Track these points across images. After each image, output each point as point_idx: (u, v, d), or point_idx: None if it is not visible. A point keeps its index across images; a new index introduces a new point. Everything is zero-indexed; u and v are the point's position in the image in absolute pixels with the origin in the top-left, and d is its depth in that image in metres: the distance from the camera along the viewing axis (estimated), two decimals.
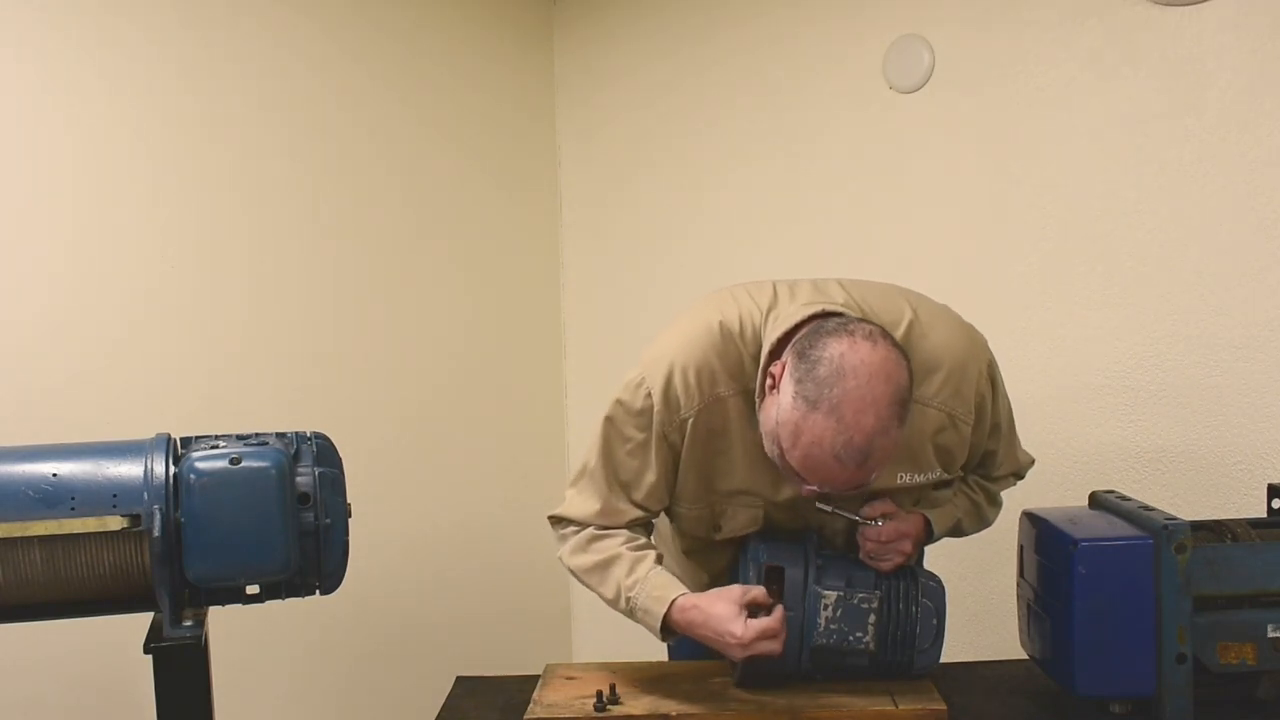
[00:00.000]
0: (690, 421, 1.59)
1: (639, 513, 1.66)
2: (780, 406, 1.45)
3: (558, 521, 1.71)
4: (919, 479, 1.62)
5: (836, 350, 1.41)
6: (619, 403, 1.63)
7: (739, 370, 1.59)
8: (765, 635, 1.52)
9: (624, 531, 1.65)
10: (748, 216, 2.79)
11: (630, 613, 1.61)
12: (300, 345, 2.59)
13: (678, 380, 1.58)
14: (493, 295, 3.03)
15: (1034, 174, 2.28)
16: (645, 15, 2.97)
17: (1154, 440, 2.14)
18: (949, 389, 1.59)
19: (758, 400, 1.55)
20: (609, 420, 1.64)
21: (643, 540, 1.66)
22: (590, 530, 1.65)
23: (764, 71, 2.72)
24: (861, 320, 1.49)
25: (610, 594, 1.62)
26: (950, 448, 1.63)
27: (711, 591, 1.58)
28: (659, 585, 1.59)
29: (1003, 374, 1.70)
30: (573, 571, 1.68)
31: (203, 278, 2.42)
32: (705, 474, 1.64)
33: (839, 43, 2.58)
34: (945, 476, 1.65)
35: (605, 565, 1.63)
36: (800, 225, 2.68)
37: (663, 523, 1.79)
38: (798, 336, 1.49)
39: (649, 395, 1.60)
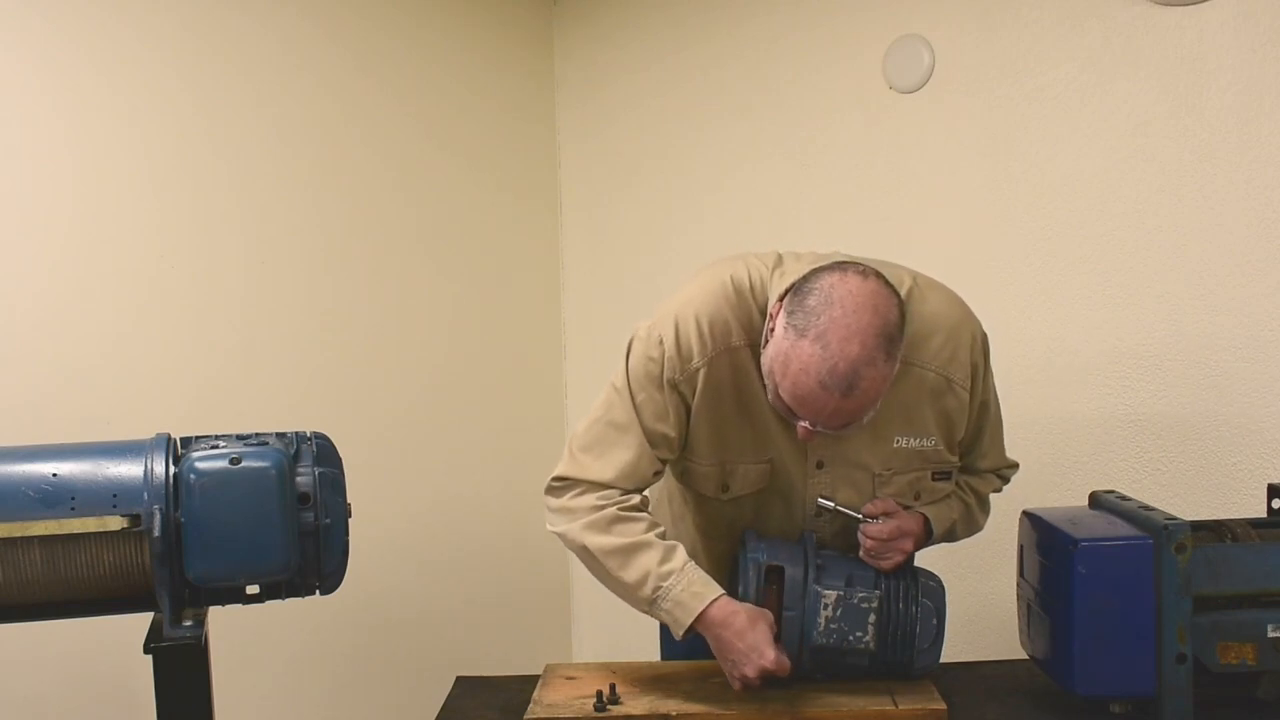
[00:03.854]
0: (702, 371, 1.59)
1: (658, 465, 1.65)
2: (774, 341, 1.49)
3: (563, 483, 1.66)
4: (915, 443, 1.63)
5: (827, 282, 1.46)
6: (630, 354, 1.64)
7: (749, 324, 1.60)
8: (781, 671, 1.55)
9: (646, 518, 1.63)
10: (748, 217, 2.79)
11: (653, 600, 1.57)
12: (300, 345, 2.59)
13: (691, 329, 1.59)
14: (493, 295, 3.03)
15: (1034, 174, 2.28)
16: (645, 15, 2.97)
17: (1154, 440, 2.14)
18: (946, 353, 1.61)
19: (762, 348, 1.56)
20: (623, 371, 1.64)
21: (663, 530, 1.65)
22: (613, 510, 1.61)
23: (764, 71, 2.72)
24: (858, 262, 1.51)
25: (633, 578, 1.58)
26: (950, 413, 1.63)
27: (751, 607, 1.58)
28: (700, 581, 1.58)
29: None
30: (585, 548, 1.61)
31: (202, 278, 2.42)
32: (717, 427, 1.63)
33: (839, 43, 2.58)
34: (940, 448, 1.65)
35: (632, 550, 1.59)
36: (800, 225, 2.68)
37: (666, 507, 1.79)
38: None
39: (661, 343, 1.60)
